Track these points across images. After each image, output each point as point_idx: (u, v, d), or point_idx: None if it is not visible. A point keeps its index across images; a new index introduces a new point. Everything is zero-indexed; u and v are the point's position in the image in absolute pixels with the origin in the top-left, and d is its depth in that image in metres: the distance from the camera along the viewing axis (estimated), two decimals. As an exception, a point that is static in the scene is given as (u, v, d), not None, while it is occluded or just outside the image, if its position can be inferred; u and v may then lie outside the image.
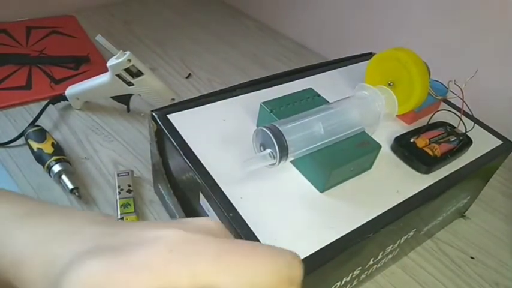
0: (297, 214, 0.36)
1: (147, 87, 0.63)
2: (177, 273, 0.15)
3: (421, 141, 0.45)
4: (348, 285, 0.43)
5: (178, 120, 0.43)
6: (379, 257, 0.43)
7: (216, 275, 0.15)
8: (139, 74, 0.61)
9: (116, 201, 0.51)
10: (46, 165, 0.54)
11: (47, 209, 0.21)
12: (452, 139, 0.46)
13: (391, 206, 0.38)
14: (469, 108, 0.49)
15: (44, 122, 0.64)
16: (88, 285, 0.15)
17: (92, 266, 0.15)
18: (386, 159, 0.44)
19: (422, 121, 0.48)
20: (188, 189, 0.42)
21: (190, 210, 0.44)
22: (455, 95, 0.47)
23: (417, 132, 0.46)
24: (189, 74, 0.80)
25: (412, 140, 0.45)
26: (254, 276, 0.15)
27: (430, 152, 0.43)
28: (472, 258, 0.53)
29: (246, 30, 1.01)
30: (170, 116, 0.43)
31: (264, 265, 0.15)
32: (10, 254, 0.19)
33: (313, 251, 0.33)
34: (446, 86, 0.50)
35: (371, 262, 0.42)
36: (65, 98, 0.65)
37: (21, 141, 0.59)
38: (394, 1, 0.79)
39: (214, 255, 0.15)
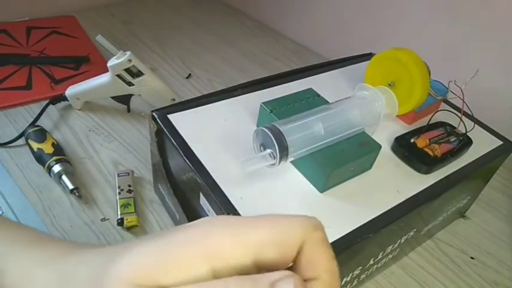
0: (297, 214, 0.36)
1: (148, 88, 0.63)
2: (220, 240, 0.17)
3: (421, 142, 0.45)
4: (348, 285, 0.43)
5: (179, 120, 0.43)
6: (379, 257, 0.43)
7: (256, 234, 0.17)
8: (139, 74, 0.61)
9: (116, 201, 0.52)
10: (46, 165, 0.54)
11: (53, 238, 0.24)
12: (453, 139, 0.46)
13: (391, 206, 0.38)
14: (469, 108, 0.49)
15: (44, 122, 0.64)
16: (143, 263, 0.16)
17: (141, 249, 0.17)
18: (387, 159, 0.44)
19: (423, 121, 0.48)
20: (188, 189, 0.42)
21: (191, 210, 0.44)
22: (456, 95, 0.47)
23: (417, 132, 0.46)
24: (189, 74, 0.80)
25: (412, 140, 0.45)
26: (289, 227, 0.18)
27: (430, 152, 0.43)
28: (472, 258, 0.53)
29: (246, 30, 1.01)
30: (170, 116, 0.43)
31: (292, 221, 0.18)
32: (17, 273, 0.20)
33: (314, 251, 0.33)
34: (447, 86, 0.50)
35: (371, 262, 0.42)
36: (65, 98, 0.65)
37: (21, 141, 0.59)
38: (394, 1, 0.79)
39: (251, 222, 0.18)
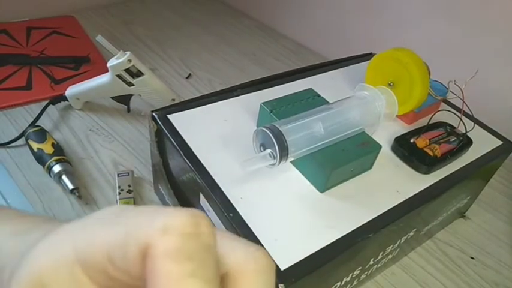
0: (297, 214, 0.36)
1: (148, 88, 0.63)
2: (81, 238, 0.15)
3: (421, 142, 0.45)
4: (348, 285, 0.43)
5: (179, 120, 0.43)
6: (379, 257, 0.43)
7: (104, 233, 0.14)
8: (139, 74, 0.61)
9: (116, 201, 0.52)
10: (46, 165, 0.54)
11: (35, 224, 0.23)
12: (453, 139, 0.46)
13: (391, 206, 0.38)
14: (469, 108, 0.49)
15: (44, 122, 0.64)
16: (33, 268, 0.15)
17: (36, 252, 0.16)
18: (387, 159, 0.44)
19: (423, 121, 0.48)
20: (188, 189, 0.42)
21: (191, 210, 0.44)
22: (455, 95, 0.47)
23: (417, 132, 0.46)
24: (189, 74, 0.80)
25: (412, 140, 0.45)
26: (135, 225, 0.14)
27: (430, 152, 0.43)
28: (472, 258, 0.53)
29: (246, 30, 1.01)
30: (170, 116, 0.43)
31: (144, 217, 0.14)
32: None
33: (314, 251, 0.33)
34: (446, 86, 0.50)
35: (371, 262, 0.42)
36: (65, 98, 0.65)
37: (21, 141, 0.59)
38: (394, 1, 0.79)
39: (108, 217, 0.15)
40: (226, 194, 0.36)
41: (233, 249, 0.15)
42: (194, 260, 0.12)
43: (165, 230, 0.13)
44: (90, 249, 0.14)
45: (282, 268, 0.32)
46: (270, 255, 0.15)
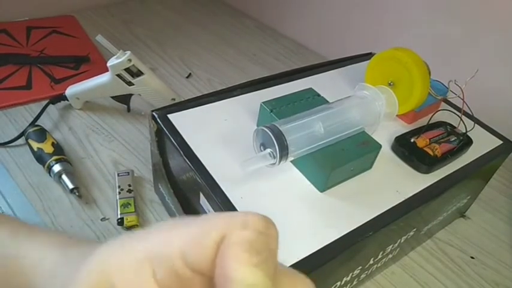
0: (297, 214, 0.36)
1: (148, 87, 0.63)
2: (154, 239, 0.17)
3: (421, 141, 0.45)
4: (348, 285, 0.43)
5: (179, 120, 0.43)
6: (379, 256, 0.43)
7: (180, 233, 0.16)
8: (139, 73, 0.61)
9: (116, 201, 0.51)
10: (46, 165, 0.54)
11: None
12: (453, 139, 0.46)
13: (391, 206, 0.38)
14: (469, 108, 0.49)
15: (44, 121, 0.64)
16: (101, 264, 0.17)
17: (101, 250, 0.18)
18: (387, 159, 0.44)
19: (423, 121, 0.48)
20: (188, 189, 0.42)
21: (191, 210, 0.44)
22: (456, 94, 0.47)
23: (417, 132, 0.46)
24: (189, 74, 0.80)
25: (412, 140, 0.45)
26: (210, 223, 0.16)
27: (430, 152, 0.43)
28: (472, 258, 0.53)
29: (246, 30, 1.01)
30: (170, 116, 0.43)
31: (218, 217, 0.16)
32: (34, 255, 0.23)
33: (314, 251, 0.33)
34: (447, 85, 0.50)
35: (371, 262, 0.42)
36: (65, 98, 0.65)
37: (21, 141, 0.59)
38: (394, 1, 0.79)
39: (188, 222, 0.17)
40: (226, 193, 0.36)
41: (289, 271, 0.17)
42: (261, 255, 0.15)
43: (244, 224, 0.15)
44: (162, 247, 0.16)
45: (282, 268, 0.32)
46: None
